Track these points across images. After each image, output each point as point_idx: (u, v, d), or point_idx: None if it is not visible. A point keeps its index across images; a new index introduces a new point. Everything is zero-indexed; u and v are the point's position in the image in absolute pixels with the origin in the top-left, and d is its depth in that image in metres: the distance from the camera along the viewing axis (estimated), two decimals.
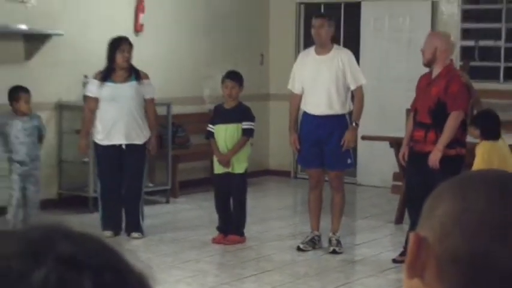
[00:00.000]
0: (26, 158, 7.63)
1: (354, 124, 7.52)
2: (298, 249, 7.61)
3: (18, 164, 7.61)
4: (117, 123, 7.81)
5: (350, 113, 7.59)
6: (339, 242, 7.65)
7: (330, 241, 7.66)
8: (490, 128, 6.85)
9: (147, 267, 0.83)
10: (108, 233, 7.80)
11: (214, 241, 7.84)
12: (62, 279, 0.76)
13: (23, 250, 0.77)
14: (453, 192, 1.14)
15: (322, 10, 11.56)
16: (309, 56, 7.68)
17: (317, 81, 7.49)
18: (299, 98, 7.65)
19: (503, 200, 1.11)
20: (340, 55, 7.51)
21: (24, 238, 0.79)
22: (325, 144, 7.49)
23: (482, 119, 6.98)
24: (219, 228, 7.91)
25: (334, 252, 7.55)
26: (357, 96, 7.56)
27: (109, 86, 7.82)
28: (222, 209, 7.91)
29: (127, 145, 7.88)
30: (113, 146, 7.88)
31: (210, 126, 7.95)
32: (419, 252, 1.13)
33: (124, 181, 7.96)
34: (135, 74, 7.91)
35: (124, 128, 7.83)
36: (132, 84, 7.87)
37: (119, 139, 7.86)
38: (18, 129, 7.60)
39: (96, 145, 7.97)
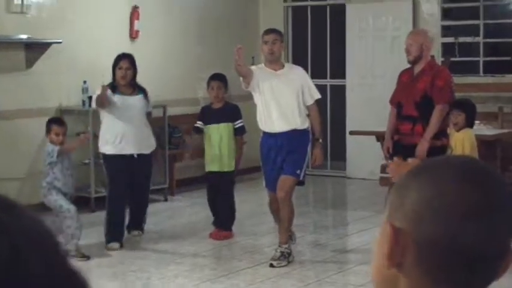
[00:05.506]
0: (72, 191, 7.04)
1: (320, 141, 6.93)
2: (271, 266, 6.73)
3: (62, 194, 6.88)
4: (127, 134, 7.44)
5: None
6: (282, 254, 6.74)
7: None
8: (473, 117, 6.85)
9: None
10: (115, 245, 7.35)
11: (211, 236, 7.64)
12: None
13: None
14: (421, 179, 1.13)
15: (309, 13, 11.44)
16: (263, 72, 6.83)
17: (277, 97, 6.76)
18: None
19: (471, 183, 1.11)
20: (295, 72, 6.90)
21: None
22: (286, 156, 6.78)
23: (468, 107, 6.85)
24: (214, 223, 7.74)
25: (271, 266, 6.67)
26: (313, 111, 6.87)
27: (118, 98, 7.48)
28: (213, 205, 7.75)
29: (137, 155, 7.51)
30: (123, 156, 7.45)
31: (199, 122, 7.75)
32: (397, 242, 1.12)
33: (133, 189, 7.55)
34: (140, 89, 7.63)
35: (134, 138, 7.47)
36: (140, 97, 7.59)
37: (129, 150, 7.48)
38: (68, 161, 6.95)
39: (105, 156, 7.53)
